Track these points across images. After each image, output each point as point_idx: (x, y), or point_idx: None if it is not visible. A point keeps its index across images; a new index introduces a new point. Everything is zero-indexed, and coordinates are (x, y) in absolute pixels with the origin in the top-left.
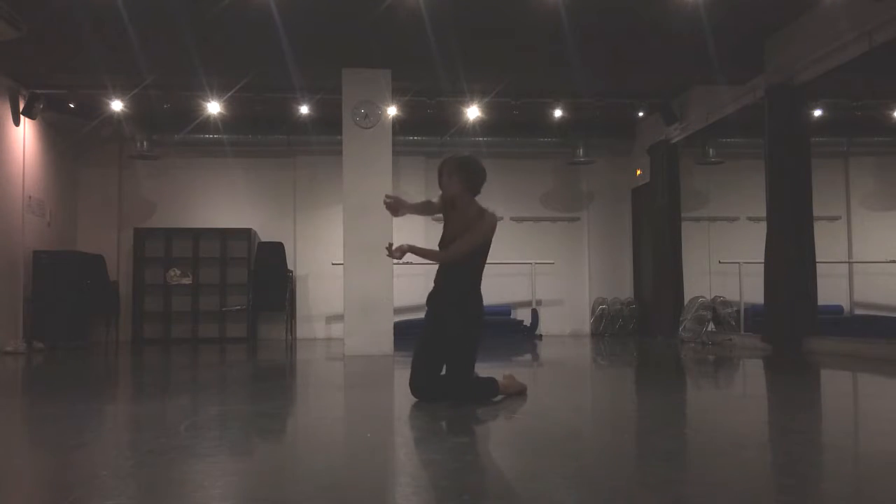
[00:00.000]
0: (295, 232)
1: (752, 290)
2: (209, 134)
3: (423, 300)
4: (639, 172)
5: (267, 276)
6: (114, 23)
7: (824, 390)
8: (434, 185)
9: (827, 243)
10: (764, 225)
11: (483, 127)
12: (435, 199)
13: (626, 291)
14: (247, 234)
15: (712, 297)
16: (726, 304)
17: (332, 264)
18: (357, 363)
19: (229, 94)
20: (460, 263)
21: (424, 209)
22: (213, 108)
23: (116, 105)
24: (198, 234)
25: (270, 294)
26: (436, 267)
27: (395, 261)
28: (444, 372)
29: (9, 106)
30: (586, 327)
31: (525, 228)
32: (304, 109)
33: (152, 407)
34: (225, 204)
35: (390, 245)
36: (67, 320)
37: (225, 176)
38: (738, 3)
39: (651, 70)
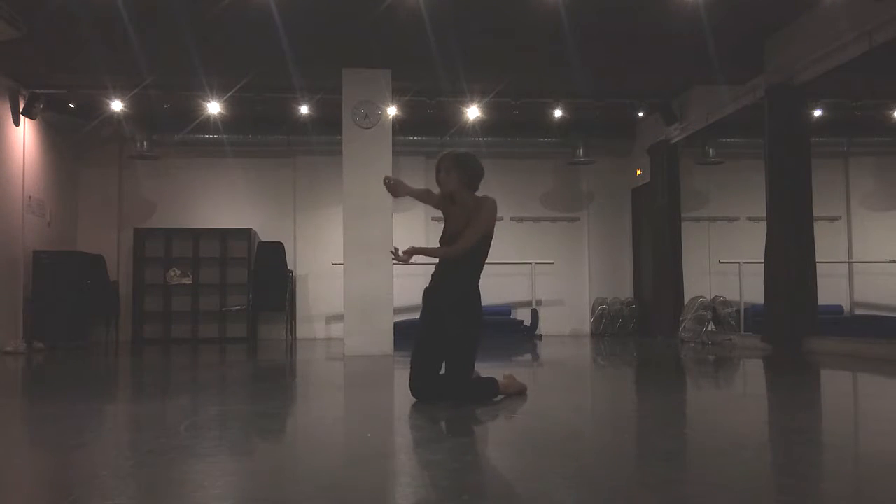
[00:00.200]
0: (295, 232)
1: (752, 290)
2: (209, 134)
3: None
4: (639, 172)
5: (267, 277)
6: (113, 23)
7: (824, 390)
8: (434, 185)
9: (827, 243)
10: (764, 225)
11: (483, 127)
12: (436, 192)
13: (626, 291)
14: (247, 234)
15: (712, 297)
16: (726, 304)
17: (332, 264)
18: (357, 363)
19: (229, 94)
20: (465, 258)
21: (424, 196)
22: (213, 108)
23: (116, 105)
24: (198, 234)
25: (270, 294)
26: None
27: (400, 262)
28: (444, 372)
29: (9, 106)
30: (586, 327)
31: (525, 228)
32: (304, 109)
33: (152, 407)
34: (225, 204)
35: (396, 250)
36: (67, 320)
37: (225, 176)
38: (738, 3)
39: (651, 70)
